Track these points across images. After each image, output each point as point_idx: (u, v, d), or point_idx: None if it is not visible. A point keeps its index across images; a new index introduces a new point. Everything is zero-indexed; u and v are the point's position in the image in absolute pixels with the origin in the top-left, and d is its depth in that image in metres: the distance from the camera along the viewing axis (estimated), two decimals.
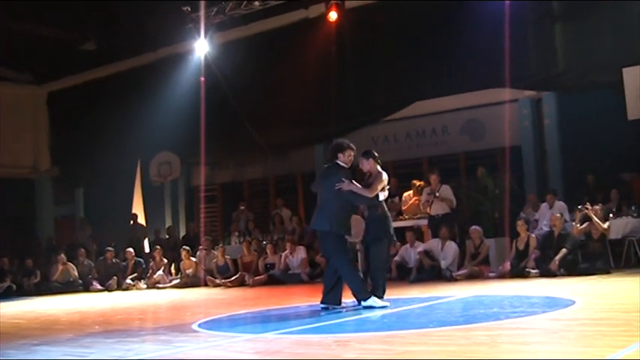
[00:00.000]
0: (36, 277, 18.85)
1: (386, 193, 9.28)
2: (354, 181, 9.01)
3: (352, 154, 9.15)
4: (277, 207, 18.85)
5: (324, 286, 9.16)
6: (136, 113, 19.69)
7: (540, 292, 10.14)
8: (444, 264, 13.60)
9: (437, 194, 14.46)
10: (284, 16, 17.97)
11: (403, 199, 15.52)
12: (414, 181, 15.54)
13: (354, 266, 9.08)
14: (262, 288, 15.10)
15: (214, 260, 16.87)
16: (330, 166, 9.19)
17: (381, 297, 9.03)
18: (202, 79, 18.10)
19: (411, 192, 15.50)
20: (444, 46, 15.51)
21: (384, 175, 9.15)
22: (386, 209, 9.32)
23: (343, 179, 8.92)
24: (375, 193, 8.99)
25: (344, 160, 9.09)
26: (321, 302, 9.07)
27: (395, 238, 9.85)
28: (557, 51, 14.80)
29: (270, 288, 14.92)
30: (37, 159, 23.28)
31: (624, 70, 13.51)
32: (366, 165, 9.27)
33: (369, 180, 9.17)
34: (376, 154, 9.39)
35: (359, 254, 12.42)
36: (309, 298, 10.74)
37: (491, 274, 13.25)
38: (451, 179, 15.33)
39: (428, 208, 14.61)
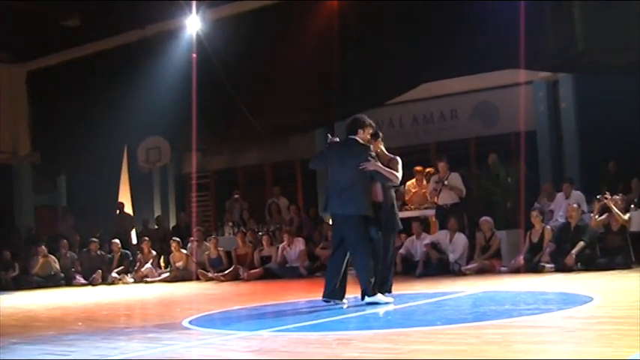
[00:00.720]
0: (14, 271, 18.83)
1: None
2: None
3: (372, 131, 9.08)
4: (274, 195, 18.84)
5: (326, 280, 9.05)
6: (122, 95, 19.64)
7: (555, 288, 10.16)
8: (452, 257, 13.62)
9: (445, 182, 14.47)
10: None
11: (406, 188, 15.51)
12: (417, 168, 15.52)
13: (371, 259, 8.85)
14: (258, 282, 15.13)
15: (206, 253, 16.88)
16: (349, 142, 9.00)
17: (387, 293, 9.03)
18: (194, 55, 18.05)
19: (414, 180, 15.50)
20: (453, 23, 15.44)
21: (399, 159, 9.16)
22: (394, 196, 9.31)
23: (369, 158, 8.82)
24: (399, 179, 9.00)
25: (363, 137, 8.97)
26: (323, 297, 9.01)
27: (401, 227, 9.77)
28: (575, 30, 14.71)
29: (266, 282, 14.95)
30: (15, 143, 23.20)
31: None
32: (374, 146, 9.20)
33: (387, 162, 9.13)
34: (381, 135, 9.39)
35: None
36: (307, 294, 10.76)
37: (502, 269, 13.27)
38: (460, 167, 15.35)
39: (436, 198, 14.62)
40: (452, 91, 17.30)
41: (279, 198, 18.62)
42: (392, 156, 9.27)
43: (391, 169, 8.98)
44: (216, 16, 18.44)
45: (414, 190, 15.43)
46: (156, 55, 19.03)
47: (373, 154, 8.94)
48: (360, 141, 8.94)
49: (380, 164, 8.91)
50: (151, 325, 8.88)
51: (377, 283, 8.88)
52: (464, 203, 14.70)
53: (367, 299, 8.78)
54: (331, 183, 9.00)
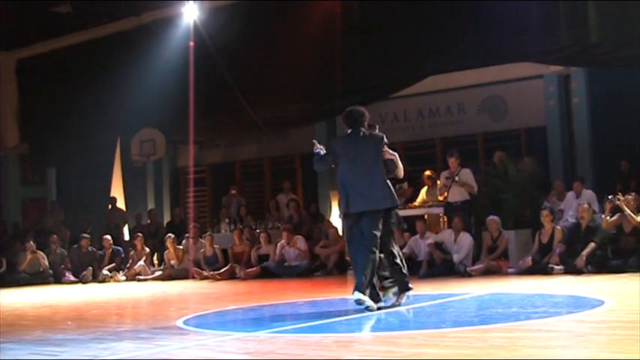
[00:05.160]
0: (1, 267, 18.83)
1: None
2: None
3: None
4: (284, 191, 18.72)
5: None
6: (116, 85, 19.61)
7: (565, 290, 10.15)
8: (457, 258, 13.61)
9: (456, 179, 14.44)
10: None
11: (420, 196, 15.43)
12: (427, 174, 15.47)
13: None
14: (255, 281, 15.12)
15: (202, 250, 16.88)
16: (364, 135, 8.85)
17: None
18: (192, 44, 18.04)
19: (425, 188, 15.44)
20: (461, 14, 15.42)
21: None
22: None
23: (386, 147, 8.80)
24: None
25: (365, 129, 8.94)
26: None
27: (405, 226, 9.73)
28: (589, 21, 14.69)
29: (263, 282, 14.95)
30: (3, 134, 23.17)
31: None
32: None
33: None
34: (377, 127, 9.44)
35: None
36: (306, 293, 10.78)
37: (510, 270, 13.25)
38: (468, 163, 15.30)
39: (445, 194, 14.58)
40: (459, 85, 17.27)
41: (289, 194, 18.53)
42: (391, 151, 9.13)
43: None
44: (214, 4, 18.41)
45: (428, 197, 15.32)
46: (151, 43, 19.00)
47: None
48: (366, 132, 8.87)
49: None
50: (143, 325, 8.88)
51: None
52: (474, 201, 14.68)
53: (356, 295, 8.46)
54: (351, 180, 8.73)
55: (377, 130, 9.29)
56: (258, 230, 17.13)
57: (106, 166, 21.26)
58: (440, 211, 14.87)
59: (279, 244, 15.97)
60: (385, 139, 8.85)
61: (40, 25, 20.48)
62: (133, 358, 6.40)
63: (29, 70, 22.70)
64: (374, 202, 8.57)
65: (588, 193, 14.09)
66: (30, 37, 21.87)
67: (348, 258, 11.61)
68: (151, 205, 21.21)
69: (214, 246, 16.82)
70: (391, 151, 8.81)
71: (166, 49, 18.64)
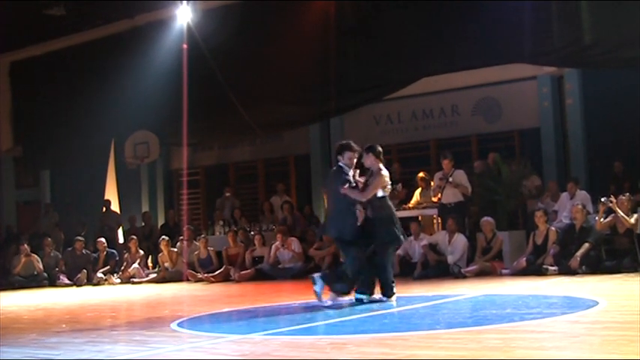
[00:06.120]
0: None
1: (388, 190, 9.55)
2: (354, 180, 9.38)
3: (354, 155, 9.46)
4: (278, 193, 18.72)
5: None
6: (110, 87, 19.58)
7: (559, 291, 10.17)
8: (451, 259, 13.61)
9: (450, 180, 14.44)
10: None
11: (415, 198, 15.45)
12: (420, 175, 15.48)
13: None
14: (249, 284, 15.12)
15: (196, 252, 16.86)
16: (333, 169, 9.71)
17: (391, 295, 9.45)
18: (185, 46, 18.04)
19: (419, 189, 15.44)
20: (455, 15, 15.42)
21: (384, 172, 9.45)
22: (392, 209, 9.59)
23: (345, 179, 9.32)
24: (369, 196, 9.29)
25: (345, 162, 9.45)
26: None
27: (404, 239, 10.13)
28: (583, 22, 14.71)
29: (257, 284, 14.95)
30: None
31: None
32: (367, 160, 9.57)
33: (370, 177, 9.40)
34: (379, 150, 9.62)
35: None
36: (300, 295, 10.76)
37: (504, 271, 13.26)
38: (462, 164, 15.31)
39: (439, 195, 14.58)
40: (453, 86, 17.28)
41: (283, 196, 18.53)
42: (379, 169, 9.49)
43: (369, 184, 9.33)
44: (207, 6, 18.39)
45: (422, 198, 15.34)
46: (145, 46, 18.97)
47: (348, 177, 9.34)
48: (343, 165, 9.44)
49: (353, 184, 9.35)
50: (137, 327, 8.88)
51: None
52: (468, 202, 14.68)
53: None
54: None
55: (377, 149, 9.59)
56: (252, 232, 17.12)
57: (100, 168, 21.23)
58: (434, 212, 14.89)
59: (273, 246, 15.97)
60: (345, 173, 9.39)
61: (33, 27, 20.43)
62: None
63: (23, 73, 22.65)
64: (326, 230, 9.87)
65: (582, 194, 14.10)
66: (23, 40, 21.80)
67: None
68: (145, 208, 21.20)
69: (208, 248, 16.81)
70: (345, 186, 9.25)
71: (160, 51, 18.63)
